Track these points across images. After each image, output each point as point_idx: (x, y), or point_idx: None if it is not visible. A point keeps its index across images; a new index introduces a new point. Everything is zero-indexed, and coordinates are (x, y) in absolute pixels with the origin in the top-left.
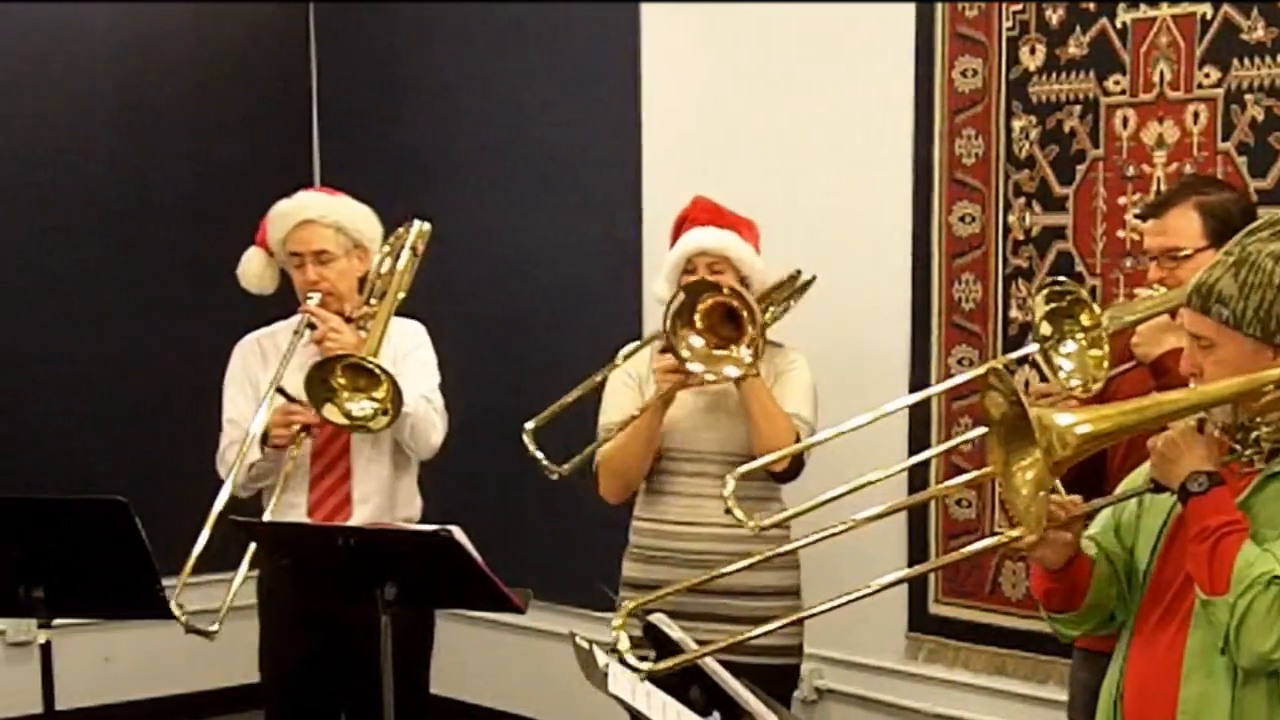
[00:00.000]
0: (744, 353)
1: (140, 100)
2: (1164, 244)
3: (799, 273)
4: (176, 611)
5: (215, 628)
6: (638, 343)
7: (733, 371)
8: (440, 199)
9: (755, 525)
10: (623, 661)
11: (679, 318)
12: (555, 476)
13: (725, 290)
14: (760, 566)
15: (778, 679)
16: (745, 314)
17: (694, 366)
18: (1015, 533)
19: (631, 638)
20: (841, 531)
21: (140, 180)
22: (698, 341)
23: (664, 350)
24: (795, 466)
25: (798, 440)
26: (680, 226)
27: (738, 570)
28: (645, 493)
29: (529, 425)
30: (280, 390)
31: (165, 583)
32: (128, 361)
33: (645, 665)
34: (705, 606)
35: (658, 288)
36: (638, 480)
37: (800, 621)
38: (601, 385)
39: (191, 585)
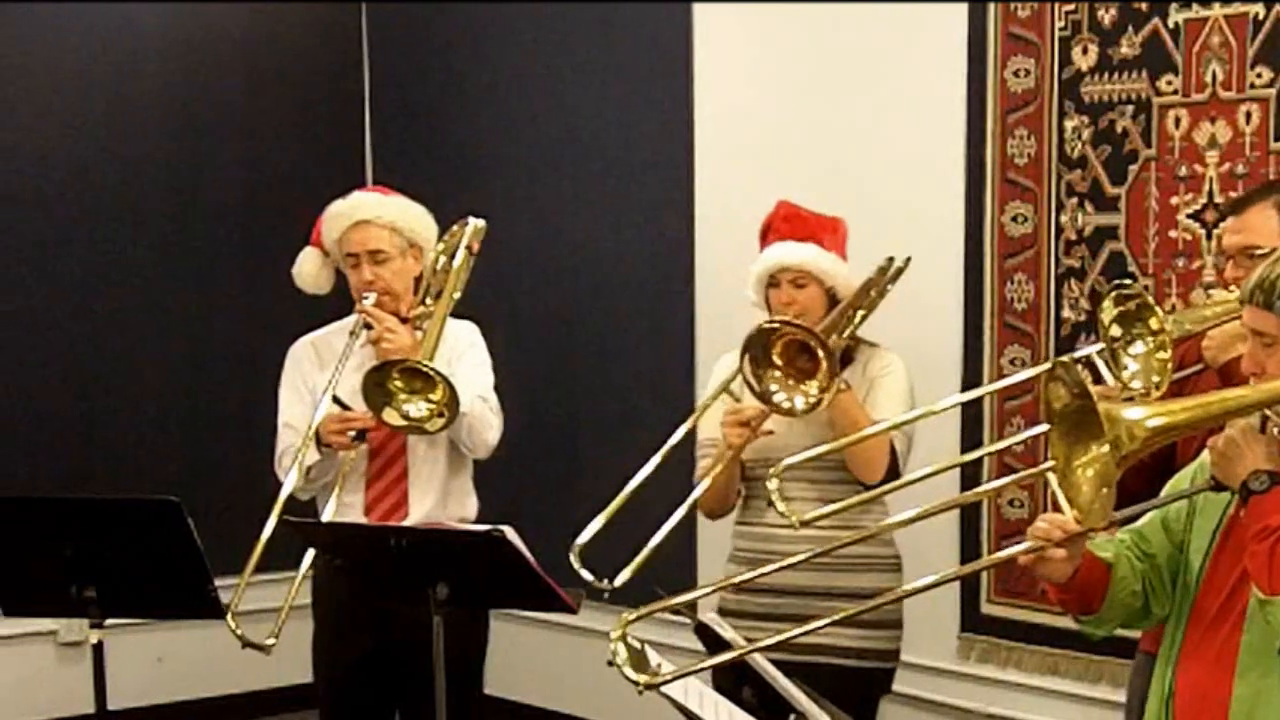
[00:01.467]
0: (813, 389)
1: (193, 101)
2: (1242, 242)
3: (890, 260)
4: (232, 625)
5: (271, 642)
6: (708, 398)
7: (800, 404)
8: (492, 198)
9: (798, 520)
10: (623, 674)
11: (754, 363)
12: (605, 596)
13: (788, 330)
14: (863, 569)
15: (867, 682)
16: (817, 348)
17: (778, 397)
18: (1073, 526)
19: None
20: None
21: (194, 181)
22: (779, 375)
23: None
24: (890, 474)
25: (893, 449)
26: (765, 236)
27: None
28: (744, 498)
29: (578, 541)
30: (336, 400)
31: (218, 583)
32: (182, 363)
33: (643, 678)
34: (803, 608)
35: (748, 293)
36: (728, 507)
37: (897, 624)
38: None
39: (249, 586)
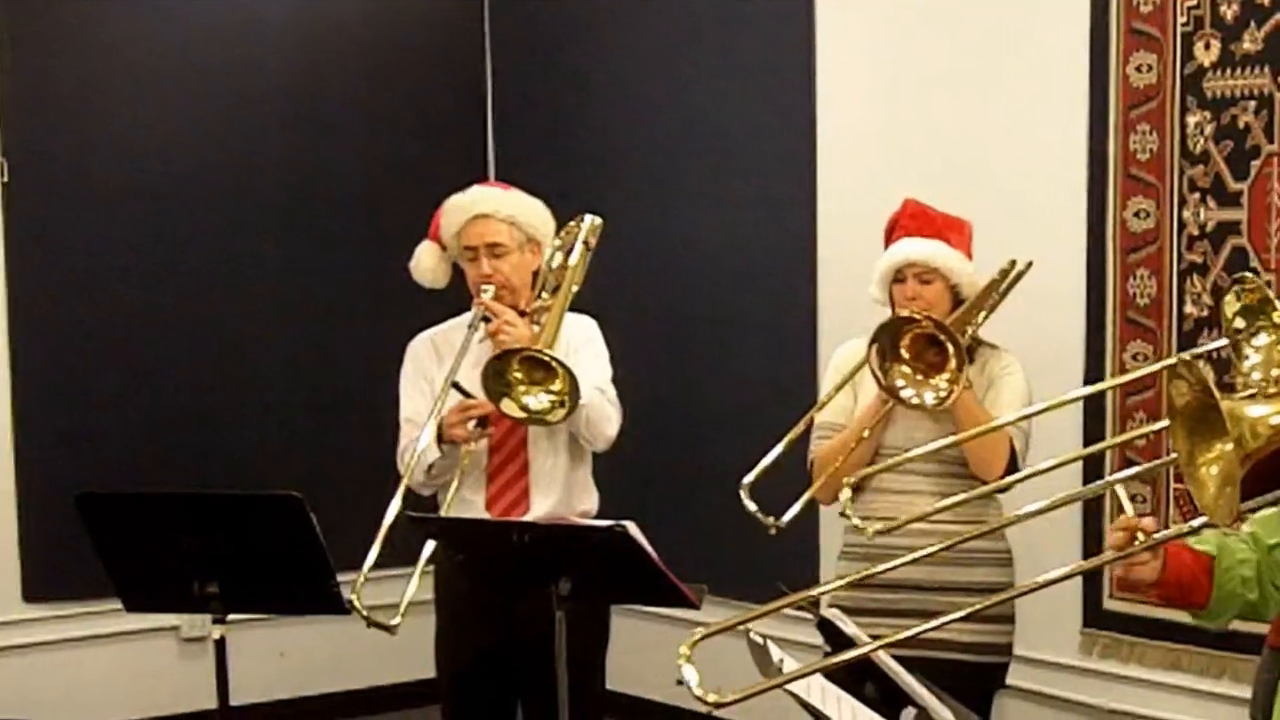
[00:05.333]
0: (943, 383)
1: (315, 95)
2: None
3: (1013, 263)
4: (357, 604)
5: (396, 620)
6: (832, 388)
7: (930, 398)
8: (614, 193)
9: (872, 532)
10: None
11: (881, 355)
12: (773, 531)
13: (923, 323)
14: (976, 563)
15: (982, 676)
16: (947, 342)
17: (906, 393)
18: (1197, 523)
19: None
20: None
21: (315, 176)
22: (906, 370)
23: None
24: (1010, 472)
25: (1012, 448)
26: (891, 233)
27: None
28: (856, 491)
29: (746, 480)
30: (455, 385)
31: (340, 578)
32: (304, 357)
33: (712, 697)
34: (919, 603)
35: (871, 290)
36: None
37: (1010, 619)
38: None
39: (368, 580)
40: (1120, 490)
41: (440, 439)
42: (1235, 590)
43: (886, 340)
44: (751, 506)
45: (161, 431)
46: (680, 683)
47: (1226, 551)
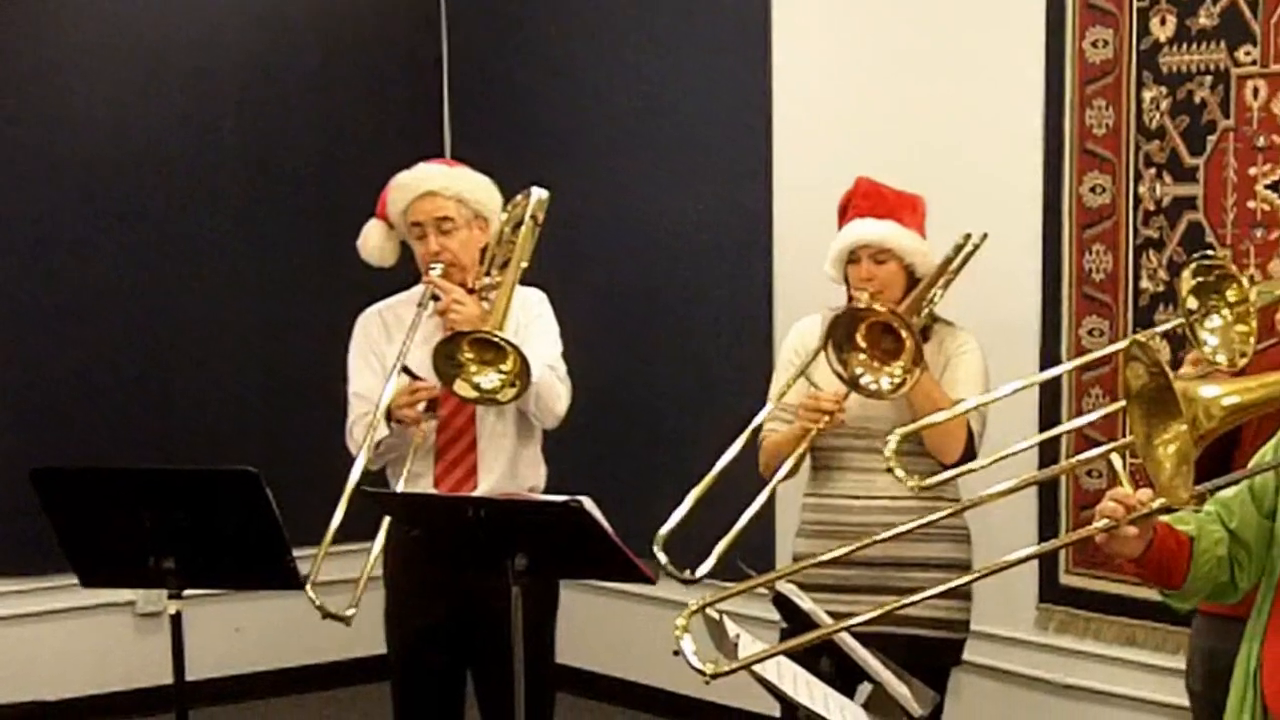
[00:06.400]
0: (898, 370)
1: (270, 71)
2: None
3: (967, 237)
4: (311, 596)
5: (351, 612)
6: (786, 380)
7: (886, 384)
8: (570, 169)
9: (916, 485)
10: (689, 664)
11: (839, 348)
12: (686, 584)
13: (877, 312)
14: (934, 539)
15: (938, 652)
16: (901, 329)
17: (865, 379)
18: (1136, 500)
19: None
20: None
21: (271, 152)
22: (863, 357)
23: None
24: (967, 454)
25: (970, 431)
26: (844, 212)
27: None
28: (815, 469)
29: (660, 533)
30: (405, 369)
31: (295, 554)
32: (259, 333)
33: (709, 667)
34: (876, 579)
35: (826, 267)
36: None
37: (967, 595)
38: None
39: (327, 555)
40: (1115, 460)
41: (389, 418)
42: (1209, 572)
43: (841, 333)
44: (663, 559)
45: (117, 407)
46: (677, 653)
47: (1204, 533)
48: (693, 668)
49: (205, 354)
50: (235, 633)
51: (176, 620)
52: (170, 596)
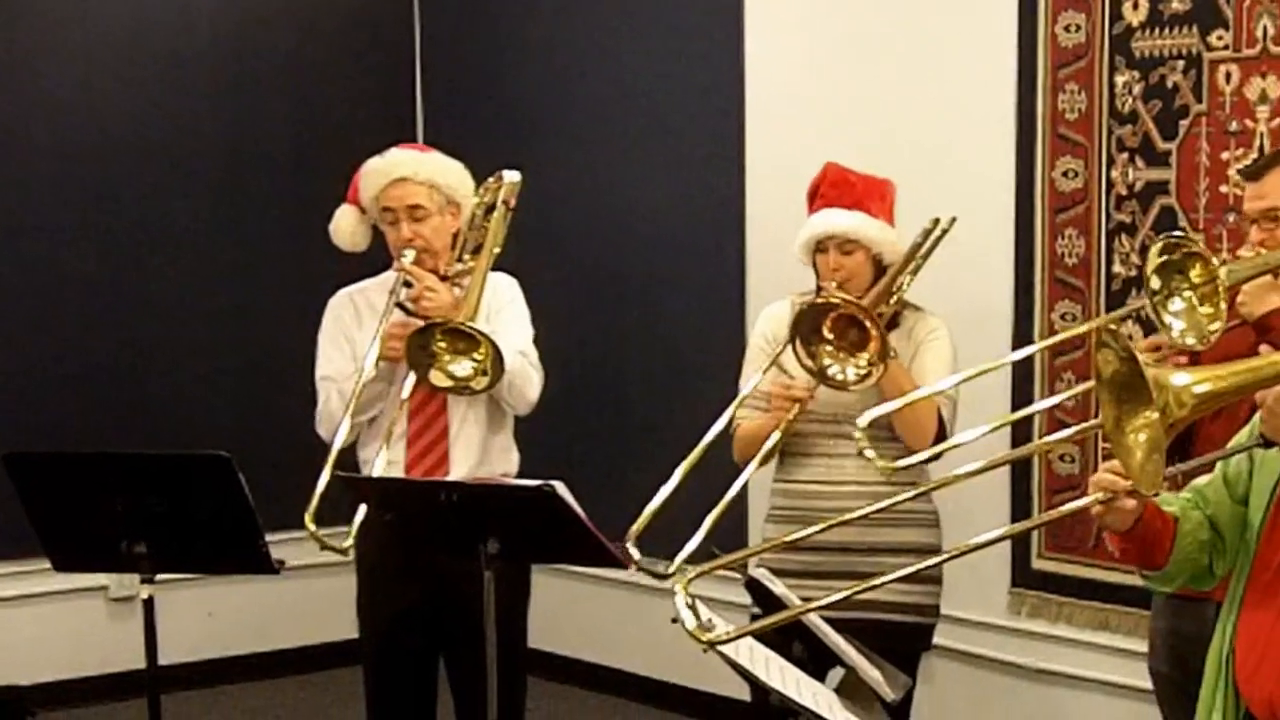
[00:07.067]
0: (864, 362)
1: (243, 56)
2: (1262, 206)
3: (935, 221)
4: (311, 527)
5: (349, 543)
6: (755, 385)
7: (852, 375)
8: (543, 153)
9: (886, 467)
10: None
11: (805, 341)
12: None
13: (842, 306)
14: (904, 524)
15: (909, 636)
16: (866, 321)
17: (832, 370)
18: (1124, 484)
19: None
20: (946, 484)
21: (244, 136)
22: (830, 349)
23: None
24: (939, 441)
25: (940, 417)
26: (812, 199)
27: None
28: (784, 455)
29: (632, 530)
30: (400, 305)
31: (268, 538)
32: (233, 318)
33: (707, 636)
34: (845, 564)
35: (796, 252)
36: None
37: (937, 580)
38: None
39: (295, 541)
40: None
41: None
42: (1192, 554)
43: (808, 327)
44: (636, 555)
45: (90, 392)
46: (675, 620)
47: (1187, 516)
48: (690, 634)
49: (178, 338)
50: (208, 617)
51: (149, 605)
52: (143, 581)
